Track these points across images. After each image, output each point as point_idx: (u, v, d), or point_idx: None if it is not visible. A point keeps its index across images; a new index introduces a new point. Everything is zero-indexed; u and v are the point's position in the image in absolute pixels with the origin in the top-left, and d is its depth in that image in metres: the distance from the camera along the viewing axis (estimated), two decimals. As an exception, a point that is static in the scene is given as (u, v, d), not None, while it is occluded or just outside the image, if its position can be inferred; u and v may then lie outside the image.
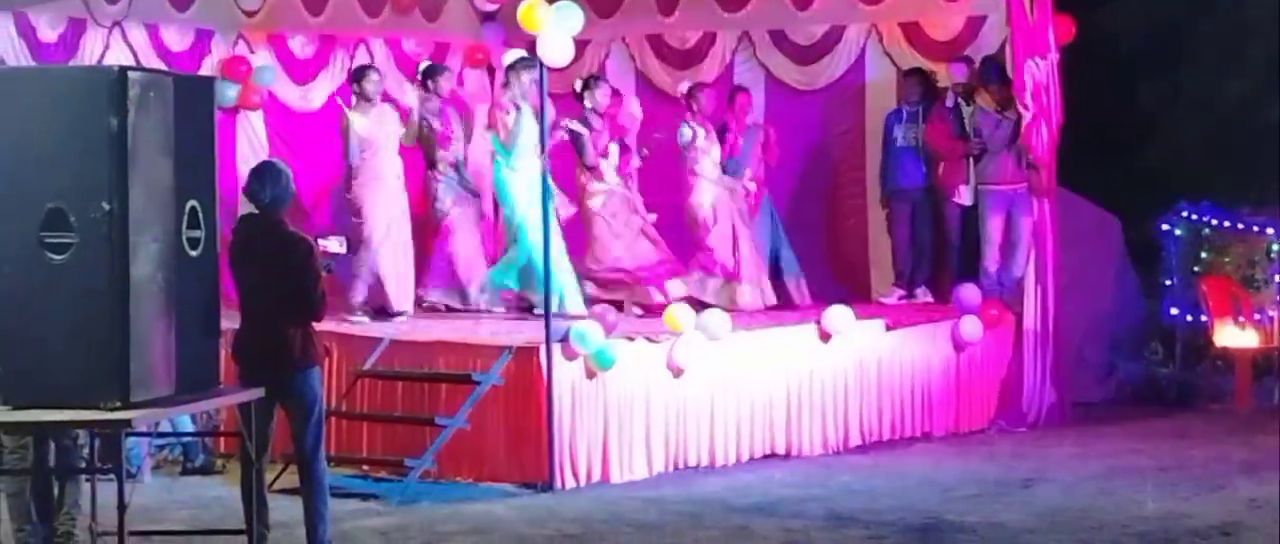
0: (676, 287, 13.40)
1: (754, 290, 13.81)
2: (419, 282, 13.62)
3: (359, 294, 13.08)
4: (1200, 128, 17.68)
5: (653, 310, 12.91)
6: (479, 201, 14.00)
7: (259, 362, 8.90)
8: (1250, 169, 16.61)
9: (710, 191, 13.75)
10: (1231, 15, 17.70)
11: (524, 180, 12.81)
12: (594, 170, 13.39)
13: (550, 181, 12.28)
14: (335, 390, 12.21)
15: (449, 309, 13.69)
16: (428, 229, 13.83)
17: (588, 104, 13.42)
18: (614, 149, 13.45)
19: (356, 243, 12.89)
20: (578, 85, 13.52)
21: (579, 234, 13.49)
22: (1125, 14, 17.80)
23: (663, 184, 13.94)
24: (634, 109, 13.94)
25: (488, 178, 13.73)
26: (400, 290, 13.28)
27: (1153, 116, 18.07)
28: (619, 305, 13.04)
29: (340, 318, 12.54)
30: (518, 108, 12.92)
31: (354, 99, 13.39)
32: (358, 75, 13.51)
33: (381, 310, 13.21)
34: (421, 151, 13.78)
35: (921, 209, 14.42)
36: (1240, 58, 17.70)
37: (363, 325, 12.74)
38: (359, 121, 13.18)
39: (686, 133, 13.70)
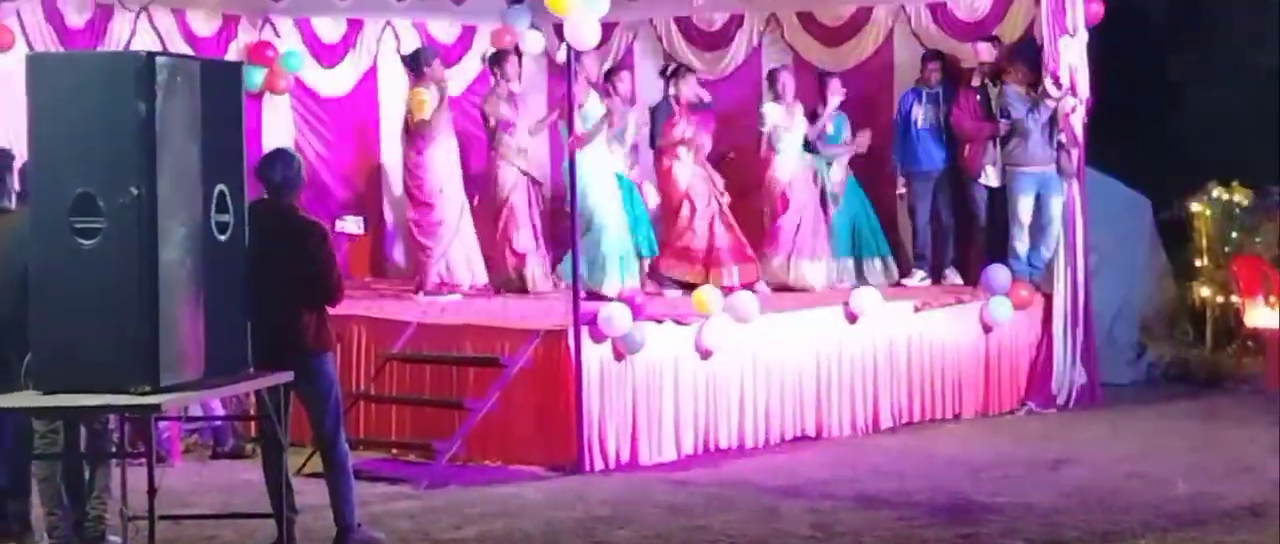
0: (749, 271, 13.60)
1: (821, 268, 13.90)
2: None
3: (435, 275, 13.31)
4: (1230, 104, 17.56)
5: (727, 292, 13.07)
6: (540, 188, 14.01)
7: (272, 347, 8.79)
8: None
9: (789, 169, 13.87)
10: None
11: (593, 165, 12.81)
12: (671, 152, 13.56)
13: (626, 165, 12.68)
14: (364, 374, 12.25)
15: (502, 291, 13.67)
16: (488, 213, 13.87)
17: (671, 91, 13.63)
18: (698, 136, 13.63)
19: (437, 223, 13.20)
20: (663, 73, 13.88)
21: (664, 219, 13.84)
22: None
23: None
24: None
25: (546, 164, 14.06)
26: (475, 267, 13.52)
27: (1182, 94, 17.97)
28: (692, 287, 13.18)
29: (426, 297, 13.05)
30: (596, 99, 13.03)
31: (418, 79, 13.34)
32: (426, 57, 13.48)
33: (440, 288, 13.34)
34: (486, 136, 13.79)
35: (943, 190, 14.38)
36: (1270, 31, 17.57)
37: (386, 308, 12.76)
38: (431, 100, 13.19)
39: (774, 113, 13.84)
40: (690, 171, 13.62)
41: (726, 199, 13.76)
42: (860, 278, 14.18)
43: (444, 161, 13.38)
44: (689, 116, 13.62)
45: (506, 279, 13.75)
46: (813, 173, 14.09)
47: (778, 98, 13.95)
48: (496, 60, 13.83)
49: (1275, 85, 17.33)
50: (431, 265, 13.40)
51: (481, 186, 13.92)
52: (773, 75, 14.16)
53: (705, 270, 13.47)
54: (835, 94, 14.19)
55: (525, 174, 13.74)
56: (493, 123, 13.50)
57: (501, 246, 13.75)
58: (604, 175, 12.98)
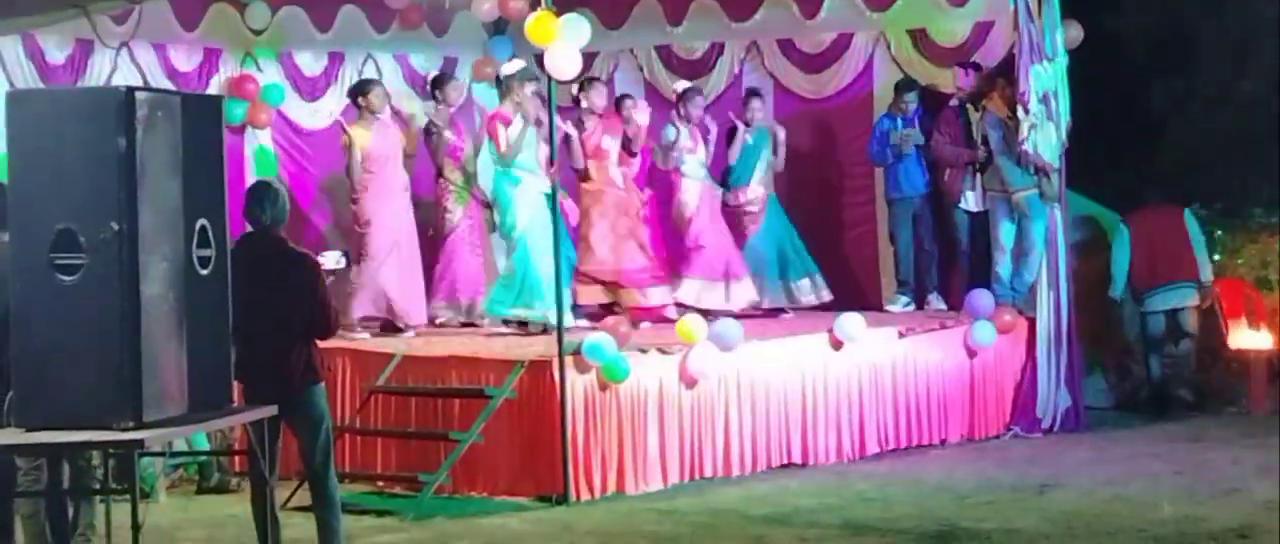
0: (661, 293, 13.47)
1: (748, 289, 13.86)
2: (428, 296, 13.66)
3: (361, 309, 13.09)
4: (1212, 128, 17.60)
5: (639, 313, 13.04)
6: (490, 213, 13.98)
7: (263, 380, 8.83)
8: (1263, 168, 16.55)
9: (695, 191, 13.83)
10: (1242, 14, 17.62)
11: (524, 192, 12.80)
12: (582, 171, 13.48)
13: (557, 193, 12.26)
14: (349, 407, 12.24)
15: (458, 325, 13.64)
16: (437, 242, 13.87)
17: (583, 104, 13.54)
18: (613, 150, 13.45)
19: (362, 257, 12.99)
20: (575, 88, 13.62)
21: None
22: (1135, 16, 17.75)
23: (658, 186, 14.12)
24: (641, 115, 13.83)
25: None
26: (409, 305, 13.31)
27: (1164, 118, 18.01)
28: (611, 308, 13.14)
29: (343, 334, 12.45)
30: (523, 119, 12.90)
31: (358, 113, 13.46)
32: (361, 89, 13.56)
33: (390, 326, 13.26)
34: (432, 163, 13.76)
35: (924, 216, 14.40)
36: (1252, 57, 17.62)
37: (371, 341, 12.74)
38: (361, 136, 13.23)
39: (671, 132, 13.79)
40: (601, 186, 13.45)
41: (644, 211, 13.66)
42: (790, 299, 14.17)
43: (377, 195, 13.26)
44: (608, 129, 13.49)
45: (451, 309, 13.61)
46: (711, 194, 13.96)
47: (684, 119, 13.85)
48: (438, 83, 13.86)
49: (1255, 111, 17.38)
50: (354, 297, 13.09)
51: (431, 217, 13.90)
52: (685, 96, 13.95)
53: (618, 290, 13.37)
54: (758, 112, 14.18)
55: (473, 199, 13.65)
56: (437, 144, 13.52)
57: (446, 276, 13.68)
58: (532, 195, 12.79)
